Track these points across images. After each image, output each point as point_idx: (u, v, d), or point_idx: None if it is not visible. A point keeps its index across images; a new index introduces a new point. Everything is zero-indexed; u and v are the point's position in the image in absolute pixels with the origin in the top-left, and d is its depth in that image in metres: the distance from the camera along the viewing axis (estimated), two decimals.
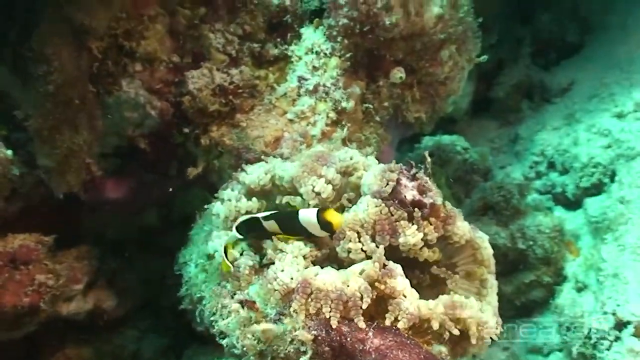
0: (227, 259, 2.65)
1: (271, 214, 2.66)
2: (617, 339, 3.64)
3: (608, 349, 3.65)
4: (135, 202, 3.76)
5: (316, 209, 2.57)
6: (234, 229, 2.71)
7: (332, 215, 2.52)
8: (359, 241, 2.49)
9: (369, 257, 2.45)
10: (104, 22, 3.00)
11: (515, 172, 5.99)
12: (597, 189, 5.16)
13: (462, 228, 2.65)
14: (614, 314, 3.70)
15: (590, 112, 5.78)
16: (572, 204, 5.40)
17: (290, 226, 2.59)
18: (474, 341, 2.43)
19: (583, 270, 4.51)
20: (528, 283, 4.69)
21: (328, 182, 2.72)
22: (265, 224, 2.64)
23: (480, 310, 2.48)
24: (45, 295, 3.39)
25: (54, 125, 3.02)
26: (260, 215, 2.66)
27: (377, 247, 2.45)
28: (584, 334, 3.85)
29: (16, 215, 3.42)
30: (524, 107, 6.65)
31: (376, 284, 2.34)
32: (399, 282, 2.35)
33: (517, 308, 4.66)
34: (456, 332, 2.36)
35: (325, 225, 2.51)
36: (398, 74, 3.54)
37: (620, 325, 3.65)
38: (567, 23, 6.76)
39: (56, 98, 2.94)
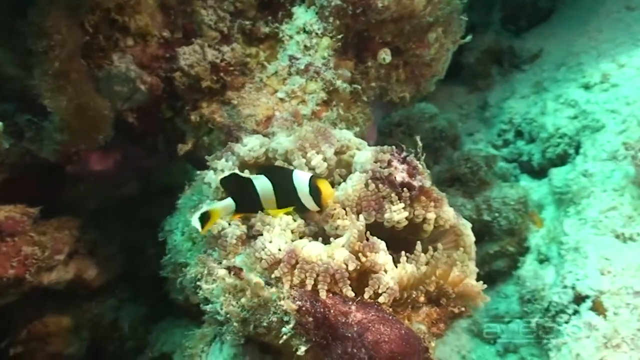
0: (202, 223, 2.77)
1: (264, 168, 2.86)
2: (576, 312, 3.88)
3: (566, 322, 3.88)
4: (119, 174, 3.99)
5: (311, 173, 2.79)
6: (218, 181, 2.88)
7: (323, 185, 2.72)
8: (347, 217, 2.71)
9: None
10: None
11: (483, 140, 6.40)
12: (562, 160, 5.55)
13: (448, 213, 2.94)
14: (573, 288, 3.94)
15: (558, 81, 6.17)
16: (538, 172, 5.84)
17: (282, 184, 2.75)
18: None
19: (546, 242, 4.88)
20: (492, 253, 5.04)
21: (324, 159, 2.97)
22: (257, 183, 2.78)
23: None
24: (31, 267, 3.60)
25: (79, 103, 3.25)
26: (252, 176, 2.81)
27: (366, 223, 2.68)
28: (544, 306, 4.14)
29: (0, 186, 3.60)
30: (494, 73, 7.03)
31: (359, 255, 2.54)
32: (381, 256, 2.56)
33: (481, 277, 5.05)
34: (432, 288, 2.66)
35: (314, 191, 2.71)
36: (383, 55, 3.83)
37: (579, 299, 3.88)
38: None
39: (63, 73, 3.14)
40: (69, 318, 4.25)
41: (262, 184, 2.79)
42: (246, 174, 2.98)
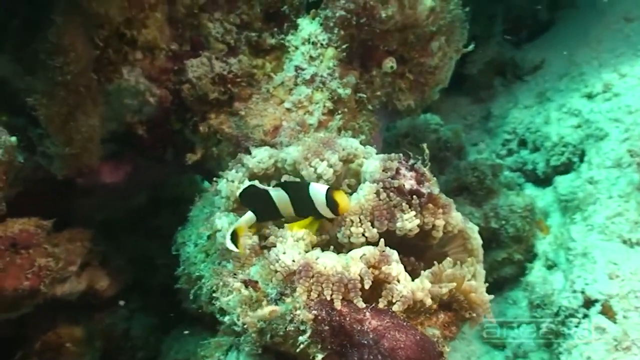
0: (233, 242, 2.77)
1: (280, 183, 2.83)
2: (585, 316, 3.91)
3: (577, 326, 3.92)
4: (129, 186, 3.98)
5: (327, 186, 2.74)
6: (237, 193, 2.87)
7: (341, 197, 2.67)
8: (361, 226, 2.70)
9: (369, 242, 2.69)
10: (118, 10, 3.20)
11: (487, 150, 6.39)
12: (566, 168, 5.56)
13: (456, 218, 2.91)
14: (582, 293, 3.97)
15: (560, 91, 6.20)
16: (542, 181, 5.83)
17: (299, 196, 2.73)
18: (472, 313, 2.74)
19: (553, 248, 4.88)
20: (500, 261, 5.03)
21: (330, 166, 2.95)
22: (274, 194, 2.77)
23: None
24: (46, 279, 3.57)
25: (68, 113, 3.23)
26: (269, 188, 2.80)
27: (378, 232, 2.69)
28: (554, 311, 4.16)
29: (13, 199, 3.55)
30: (496, 84, 7.04)
31: (372, 269, 2.53)
32: (394, 268, 2.56)
33: (489, 284, 5.03)
34: (445, 290, 2.60)
35: (332, 203, 2.66)
36: (389, 63, 3.82)
37: (589, 303, 3.91)
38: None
39: (69, 86, 3.14)
40: (81, 329, 4.25)
41: (279, 195, 2.78)
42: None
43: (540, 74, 6.78)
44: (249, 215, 2.83)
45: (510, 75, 7.04)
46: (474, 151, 6.41)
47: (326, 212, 2.73)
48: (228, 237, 2.74)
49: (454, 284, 2.68)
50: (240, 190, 2.88)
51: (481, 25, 7.00)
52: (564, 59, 6.55)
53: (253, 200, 2.84)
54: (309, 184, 2.76)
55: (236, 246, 2.75)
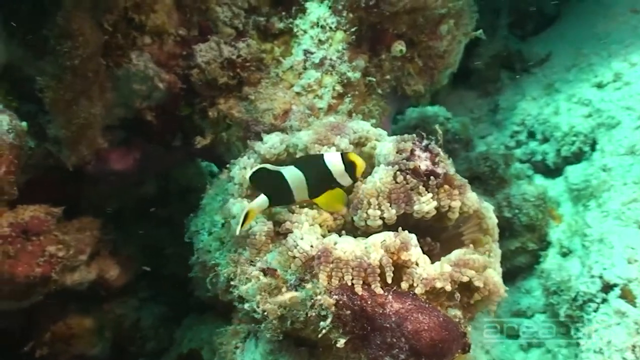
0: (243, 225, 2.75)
1: (292, 161, 2.79)
2: (604, 301, 3.88)
3: (595, 311, 3.90)
4: (139, 173, 3.97)
5: (339, 152, 2.77)
6: (247, 177, 2.81)
7: (355, 157, 2.71)
8: (379, 209, 2.68)
9: (386, 224, 2.68)
10: None
11: (495, 142, 6.34)
12: (577, 158, 5.52)
13: (471, 198, 2.88)
14: (600, 277, 3.95)
15: (569, 82, 6.14)
16: (552, 171, 5.78)
17: (314, 170, 2.71)
18: (482, 293, 2.68)
19: (567, 236, 4.84)
20: (513, 250, 4.99)
21: (340, 151, 2.91)
22: (287, 174, 2.70)
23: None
24: (57, 266, 3.56)
25: (73, 97, 3.21)
26: (281, 168, 2.73)
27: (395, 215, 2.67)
28: (571, 296, 4.11)
29: (23, 186, 3.53)
30: (503, 77, 7.01)
31: (391, 255, 2.52)
32: (413, 253, 2.55)
33: (502, 273, 5.00)
34: (466, 278, 2.57)
35: (349, 165, 2.69)
36: (398, 47, 3.81)
37: (607, 287, 3.89)
38: None
39: (77, 71, 3.13)
40: (91, 319, 4.24)
41: (292, 174, 2.73)
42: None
43: (547, 65, 6.72)
44: (262, 199, 2.75)
45: (517, 69, 6.99)
46: (482, 144, 6.35)
47: (344, 179, 2.74)
48: (241, 219, 2.69)
49: (473, 272, 2.64)
50: (250, 173, 2.79)
51: (487, 20, 6.97)
52: (571, 50, 6.50)
53: (265, 183, 2.77)
54: (323, 155, 2.74)
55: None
